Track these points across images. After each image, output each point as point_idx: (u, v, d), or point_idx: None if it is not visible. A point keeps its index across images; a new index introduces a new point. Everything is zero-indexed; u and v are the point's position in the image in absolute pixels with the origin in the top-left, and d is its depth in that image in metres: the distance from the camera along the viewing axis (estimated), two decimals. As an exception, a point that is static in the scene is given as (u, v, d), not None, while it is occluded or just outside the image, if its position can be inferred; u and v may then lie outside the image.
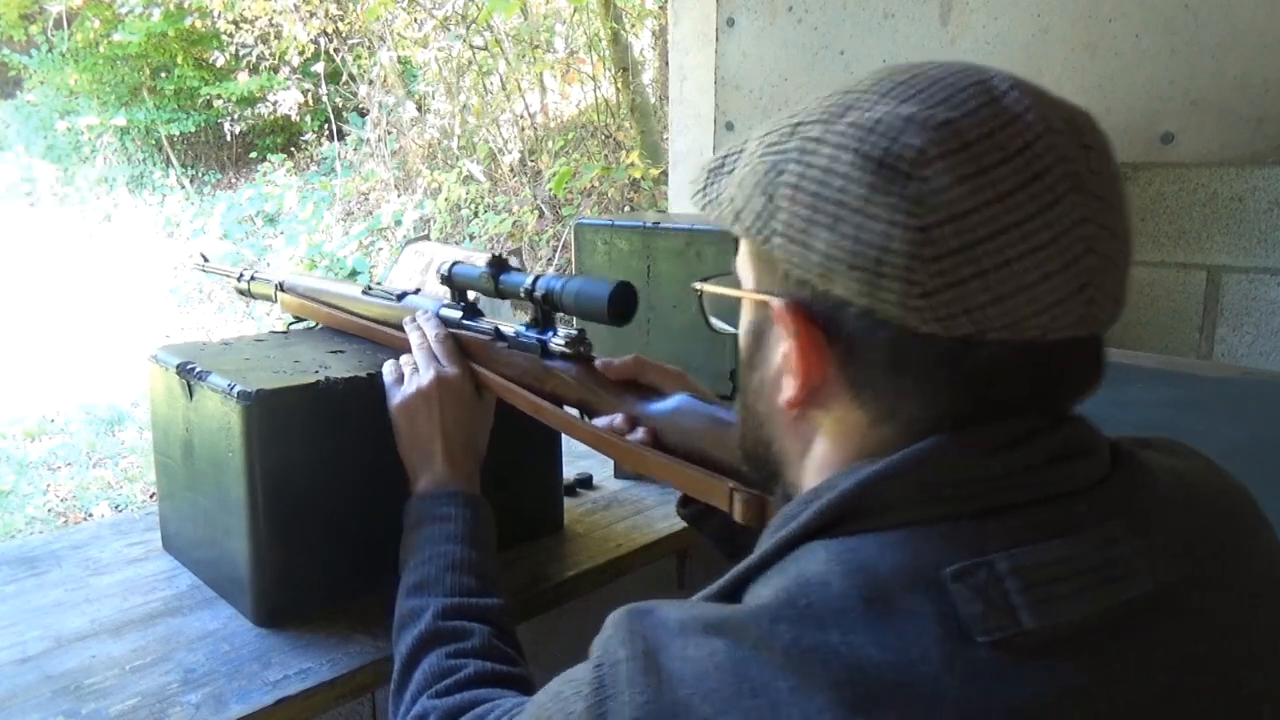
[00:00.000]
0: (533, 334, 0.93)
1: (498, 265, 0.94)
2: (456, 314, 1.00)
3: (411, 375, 0.94)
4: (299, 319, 1.20)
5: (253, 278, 1.25)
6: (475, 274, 0.96)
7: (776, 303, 0.51)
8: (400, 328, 1.05)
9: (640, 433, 0.84)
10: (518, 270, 0.94)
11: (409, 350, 1.03)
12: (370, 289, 1.11)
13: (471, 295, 1.01)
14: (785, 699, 0.42)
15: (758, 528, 0.75)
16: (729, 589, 0.51)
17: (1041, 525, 0.47)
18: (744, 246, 0.56)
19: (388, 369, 0.96)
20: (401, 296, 1.07)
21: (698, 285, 0.64)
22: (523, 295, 0.91)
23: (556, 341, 0.91)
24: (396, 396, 0.93)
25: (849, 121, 0.48)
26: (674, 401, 0.84)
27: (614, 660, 0.46)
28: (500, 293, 0.94)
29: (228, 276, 1.29)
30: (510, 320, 0.98)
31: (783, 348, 0.52)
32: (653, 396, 0.85)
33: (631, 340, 1.37)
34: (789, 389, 0.52)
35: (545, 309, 0.92)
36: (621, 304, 0.84)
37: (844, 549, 0.47)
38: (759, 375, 0.57)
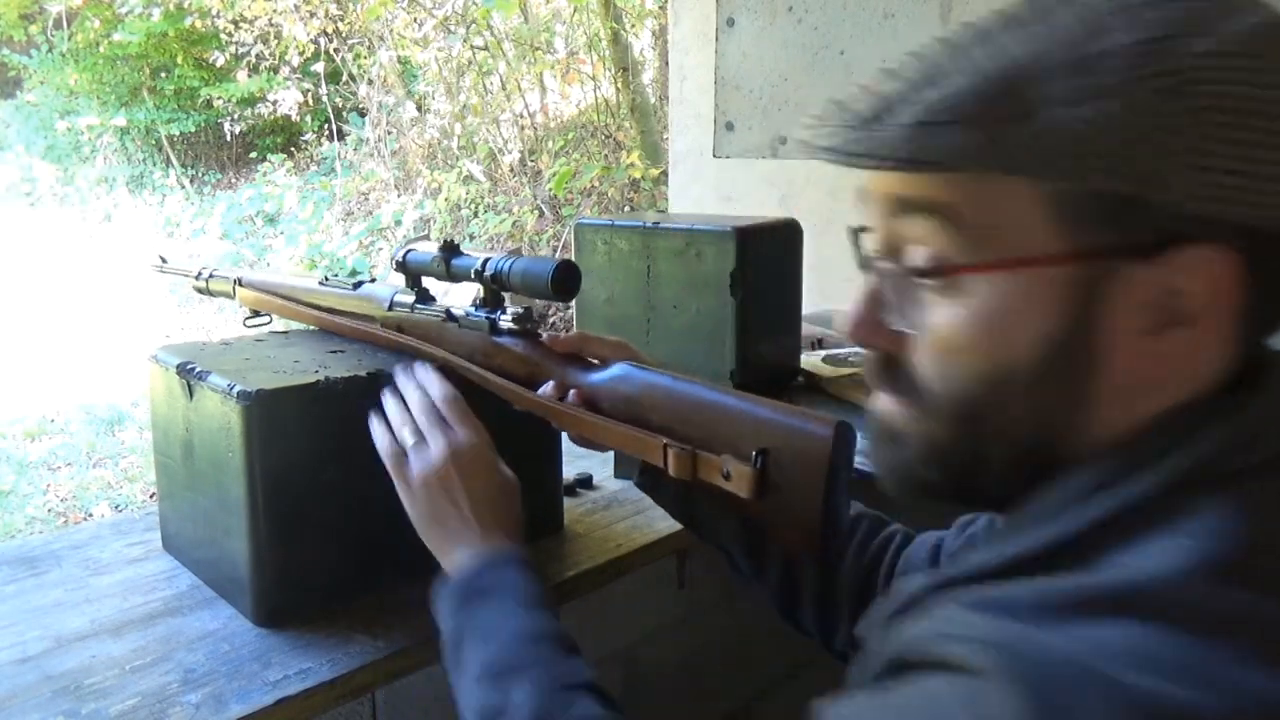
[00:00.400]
0: (481, 313, 0.97)
1: (449, 250, 0.98)
2: (410, 299, 1.04)
3: (418, 449, 0.83)
4: (256, 313, 1.23)
5: (211, 276, 1.28)
6: (428, 259, 1.00)
7: (1209, 251, 0.45)
8: (357, 316, 1.09)
9: (572, 395, 0.89)
10: (467, 254, 0.98)
11: (365, 338, 1.07)
12: (327, 279, 1.15)
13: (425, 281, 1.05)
14: (1255, 673, 0.37)
15: (689, 480, 0.79)
16: (1032, 561, 0.45)
17: None
18: (1031, 197, 0.47)
19: (380, 439, 0.86)
20: (358, 285, 1.10)
21: (955, 265, 0.49)
22: (473, 276, 0.96)
23: (504, 319, 0.96)
24: (405, 478, 0.84)
25: (1236, 31, 0.44)
26: (614, 370, 0.88)
27: (1026, 669, 0.38)
28: (452, 276, 0.98)
29: (187, 276, 1.31)
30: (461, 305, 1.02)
31: (1142, 297, 0.46)
32: (595, 367, 0.90)
33: (631, 340, 1.37)
34: (1179, 347, 0.47)
35: (494, 289, 0.96)
36: (564, 281, 0.88)
37: (1243, 500, 0.43)
38: (1083, 354, 0.48)
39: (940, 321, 0.50)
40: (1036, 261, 0.47)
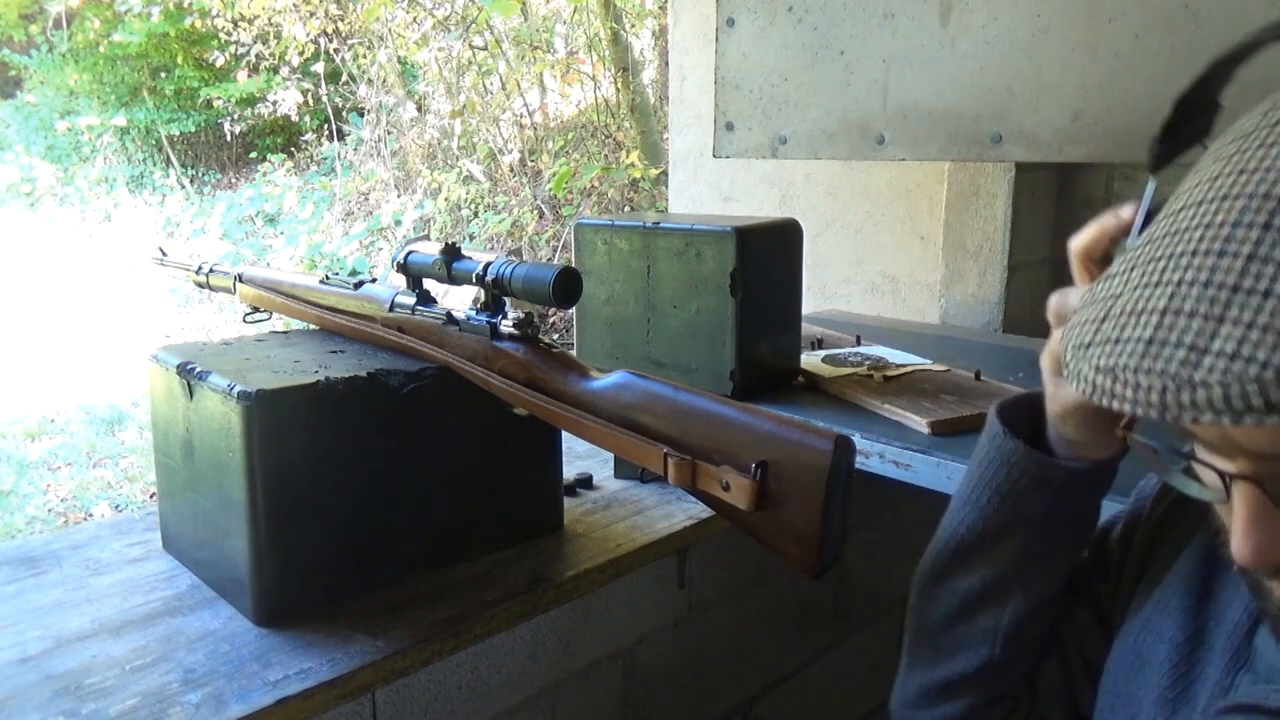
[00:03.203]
0: (483, 317, 0.98)
1: (450, 253, 0.98)
2: (411, 300, 1.04)
3: None
4: (256, 309, 1.23)
5: (211, 270, 1.29)
6: (429, 261, 1.01)
7: None
8: (357, 316, 1.09)
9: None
10: (469, 257, 0.98)
11: (365, 338, 1.08)
12: (328, 278, 1.15)
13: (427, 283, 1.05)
14: None
15: (690, 489, 0.79)
16: None
17: None
18: None
19: None
20: (359, 285, 1.11)
21: None
22: (474, 281, 0.96)
23: (506, 324, 0.96)
24: None
25: None
26: (615, 377, 0.88)
27: None
28: (453, 279, 0.98)
29: (186, 270, 1.31)
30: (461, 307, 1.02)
31: None
32: (595, 373, 0.90)
33: (631, 340, 1.38)
34: None
35: (495, 293, 0.97)
36: (565, 288, 0.89)
37: None
38: None
39: None
40: None
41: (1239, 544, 0.47)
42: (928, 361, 1.42)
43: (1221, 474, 0.47)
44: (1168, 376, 0.40)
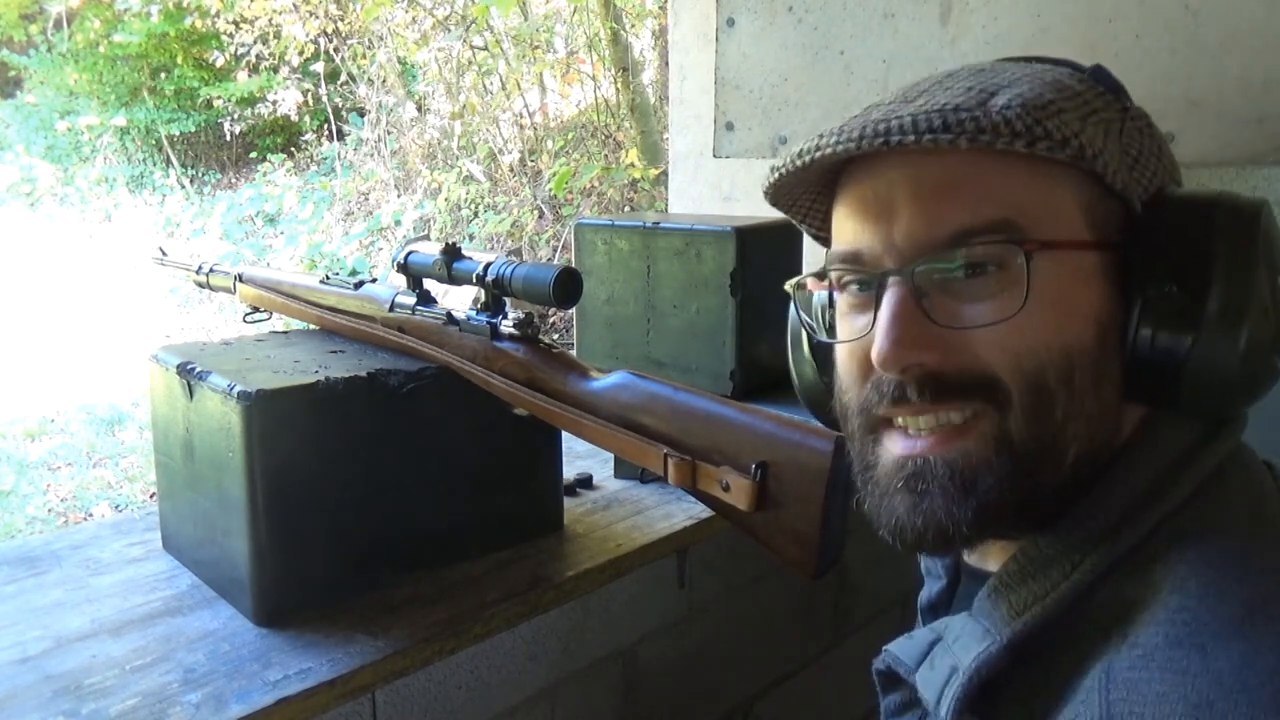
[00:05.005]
0: (483, 318, 0.98)
1: (450, 253, 0.99)
2: (411, 300, 1.04)
3: None
4: (256, 309, 1.23)
5: (211, 270, 1.29)
6: (430, 261, 1.01)
7: None
8: (357, 316, 1.10)
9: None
10: (469, 257, 0.98)
11: (362, 338, 1.08)
12: (329, 278, 1.15)
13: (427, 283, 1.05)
14: None
15: (690, 489, 0.80)
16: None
17: None
18: (1073, 190, 0.52)
19: None
20: (359, 285, 1.11)
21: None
22: (474, 281, 0.97)
23: (506, 324, 0.96)
24: None
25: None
26: (615, 378, 0.89)
27: None
28: (453, 279, 0.99)
29: (186, 270, 1.31)
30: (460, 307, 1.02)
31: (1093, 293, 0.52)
32: (595, 373, 0.91)
33: (631, 340, 1.38)
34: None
35: (495, 293, 0.97)
36: (565, 288, 0.89)
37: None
38: (1117, 342, 0.53)
39: (1011, 305, 0.51)
40: (1086, 246, 0.52)
41: (879, 339, 0.52)
42: (928, 361, 1.42)
43: (880, 281, 0.53)
44: (869, 122, 0.51)
